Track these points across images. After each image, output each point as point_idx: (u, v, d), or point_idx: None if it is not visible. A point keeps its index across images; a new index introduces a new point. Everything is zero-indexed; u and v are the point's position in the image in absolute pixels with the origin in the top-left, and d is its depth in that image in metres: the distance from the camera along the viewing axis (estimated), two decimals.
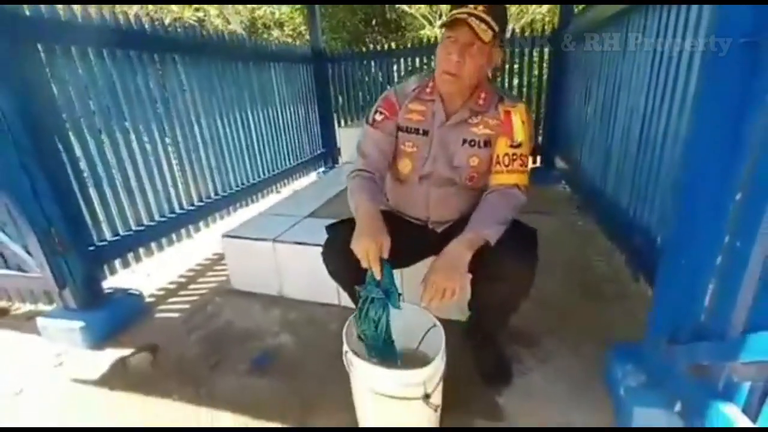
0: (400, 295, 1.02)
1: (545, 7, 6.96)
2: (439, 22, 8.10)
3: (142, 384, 1.39)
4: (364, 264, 0.98)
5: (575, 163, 2.78)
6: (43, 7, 1.54)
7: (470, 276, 1.15)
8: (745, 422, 0.75)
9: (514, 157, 1.14)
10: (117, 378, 1.43)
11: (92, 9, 1.75)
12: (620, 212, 1.82)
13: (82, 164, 1.70)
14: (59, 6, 1.60)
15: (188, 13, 8.38)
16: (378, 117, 1.23)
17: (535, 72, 3.54)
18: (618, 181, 1.91)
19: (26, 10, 1.49)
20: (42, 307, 1.79)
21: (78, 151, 1.68)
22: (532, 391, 1.26)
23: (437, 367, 0.99)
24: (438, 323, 1.11)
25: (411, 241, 1.24)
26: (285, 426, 1.19)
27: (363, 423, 1.13)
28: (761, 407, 0.73)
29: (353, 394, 1.12)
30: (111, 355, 1.54)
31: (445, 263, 1.02)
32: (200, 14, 9.03)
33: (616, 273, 1.89)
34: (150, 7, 8.37)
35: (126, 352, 1.54)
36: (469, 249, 1.02)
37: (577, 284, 1.83)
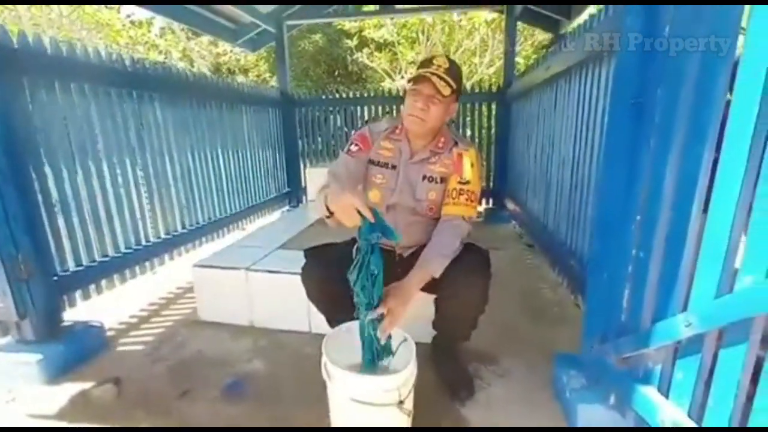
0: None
1: (492, 68, 7.83)
2: (398, 77, 8.78)
3: (107, 416, 1.34)
4: (352, 221, 1.02)
5: (522, 203, 3.11)
6: (30, 40, 1.62)
7: (434, 296, 1.32)
8: (660, 399, 0.93)
9: (461, 191, 1.33)
10: (78, 411, 1.37)
11: (78, 45, 1.84)
12: (560, 244, 2.09)
13: (53, 192, 1.70)
14: (44, 39, 1.68)
15: (153, 54, 8.45)
16: (353, 148, 1.40)
17: (485, 123, 3.97)
18: (557, 218, 2.20)
19: (14, 43, 1.56)
20: None
21: (50, 180, 1.69)
22: (492, 401, 1.38)
23: (411, 372, 1.10)
24: (408, 337, 1.23)
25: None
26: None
27: None
28: (670, 385, 0.92)
29: (330, 406, 1.19)
30: (70, 389, 1.48)
31: (400, 295, 1.13)
32: (162, 56, 9.14)
33: (560, 300, 2.12)
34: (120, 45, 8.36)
35: (86, 385, 1.48)
36: (417, 286, 1.18)
37: (528, 310, 2.03)
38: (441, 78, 1.22)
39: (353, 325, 1.28)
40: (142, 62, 2.24)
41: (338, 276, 1.33)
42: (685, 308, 0.85)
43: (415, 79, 1.26)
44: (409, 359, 1.13)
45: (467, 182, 1.34)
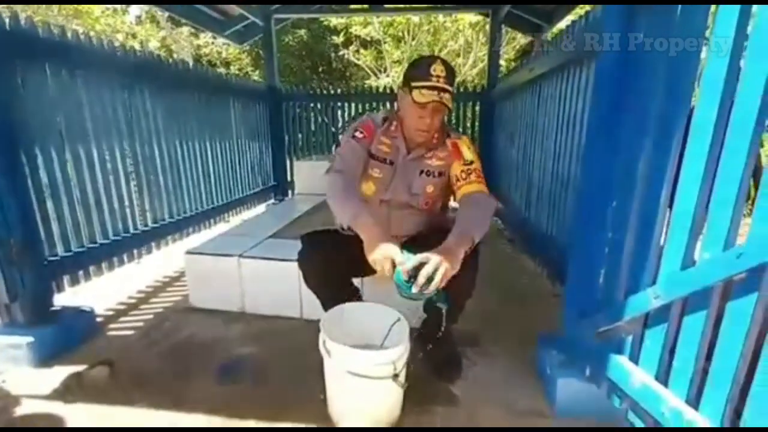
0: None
1: (475, 70, 8.01)
2: (383, 75, 8.83)
3: (103, 396, 1.36)
4: (387, 270, 1.07)
5: (504, 200, 3.23)
6: (22, 21, 1.60)
7: None
8: (631, 366, 1.03)
9: (469, 171, 1.37)
10: (72, 392, 1.38)
11: (68, 30, 1.83)
12: (540, 234, 2.21)
13: (43, 177, 1.69)
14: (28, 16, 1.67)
15: (131, 43, 8.22)
16: (359, 134, 1.39)
17: (468, 123, 4.09)
18: (538, 211, 2.32)
19: (6, 25, 1.54)
20: None
21: (40, 165, 1.68)
22: (478, 379, 1.47)
23: (405, 348, 1.17)
24: (402, 317, 1.30)
25: None
26: (263, 425, 1.26)
27: (336, 407, 1.24)
28: (640, 353, 1.02)
29: (327, 381, 1.25)
30: (61, 371, 1.48)
31: (448, 254, 1.08)
32: (139, 45, 8.88)
33: (539, 289, 2.24)
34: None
35: (79, 368, 1.49)
36: (463, 247, 1.13)
37: (509, 298, 2.14)
38: (445, 91, 1.22)
39: (348, 307, 1.35)
40: (133, 51, 2.23)
41: (336, 261, 1.39)
42: (653, 283, 0.96)
43: (419, 95, 1.23)
44: (403, 337, 1.21)
45: (471, 162, 1.38)
